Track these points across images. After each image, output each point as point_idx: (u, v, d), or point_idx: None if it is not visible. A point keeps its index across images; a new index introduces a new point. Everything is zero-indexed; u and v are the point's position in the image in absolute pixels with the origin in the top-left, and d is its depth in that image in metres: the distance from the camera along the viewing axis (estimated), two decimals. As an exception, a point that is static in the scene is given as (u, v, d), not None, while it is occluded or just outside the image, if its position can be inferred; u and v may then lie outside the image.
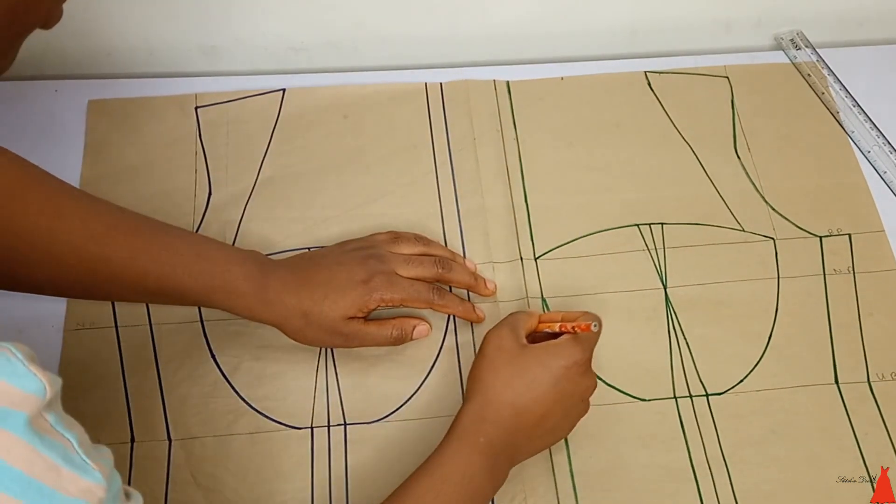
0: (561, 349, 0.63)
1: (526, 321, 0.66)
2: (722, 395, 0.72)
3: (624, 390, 0.72)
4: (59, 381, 0.34)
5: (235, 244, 0.77)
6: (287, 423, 0.70)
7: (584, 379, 0.64)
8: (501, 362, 0.63)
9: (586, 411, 0.66)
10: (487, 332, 0.66)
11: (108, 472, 0.37)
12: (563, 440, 0.68)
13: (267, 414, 0.70)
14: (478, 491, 0.60)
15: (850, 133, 0.87)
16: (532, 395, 0.62)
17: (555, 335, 0.66)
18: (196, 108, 0.85)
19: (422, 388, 0.72)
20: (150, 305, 0.74)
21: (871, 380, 0.73)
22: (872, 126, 0.87)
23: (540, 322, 0.68)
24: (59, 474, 0.34)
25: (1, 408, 0.32)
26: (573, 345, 0.63)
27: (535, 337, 0.67)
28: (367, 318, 0.69)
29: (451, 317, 0.74)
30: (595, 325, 0.63)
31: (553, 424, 0.64)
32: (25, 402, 0.33)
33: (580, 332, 0.63)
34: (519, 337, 0.65)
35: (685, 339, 0.74)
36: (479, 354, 0.65)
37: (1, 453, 0.32)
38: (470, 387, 0.64)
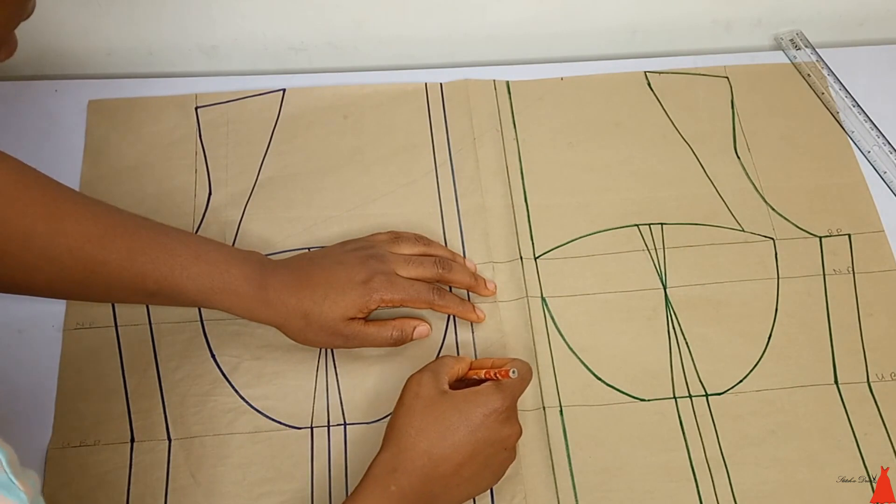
0: (479, 396, 0.61)
1: (452, 366, 0.65)
2: (721, 396, 0.72)
3: (623, 390, 0.72)
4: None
5: (235, 244, 0.77)
6: (287, 422, 0.70)
7: (505, 427, 0.62)
8: (418, 408, 0.61)
9: (512, 460, 0.64)
10: (409, 378, 0.64)
11: (32, 494, 0.36)
12: (563, 438, 0.68)
13: (267, 413, 0.70)
14: None
15: (849, 133, 0.87)
16: (448, 444, 0.60)
17: (480, 382, 0.64)
18: (196, 108, 0.85)
19: (422, 388, 0.72)
20: (149, 305, 0.74)
21: (870, 380, 0.73)
22: (872, 126, 0.87)
23: (470, 369, 0.66)
24: None
25: None
26: (493, 392, 0.61)
27: (468, 383, 0.65)
28: (367, 319, 0.69)
29: (451, 317, 0.74)
30: (514, 372, 0.61)
31: (472, 473, 0.61)
32: None
33: (502, 379, 0.62)
34: (440, 382, 0.63)
35: (685, 339, 0.74)
36: (399, 401, 0.63)
37: None
38: (386, 434, 0.62)
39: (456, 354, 0.73)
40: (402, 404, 0.62)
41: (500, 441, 0.62)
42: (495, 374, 0.62)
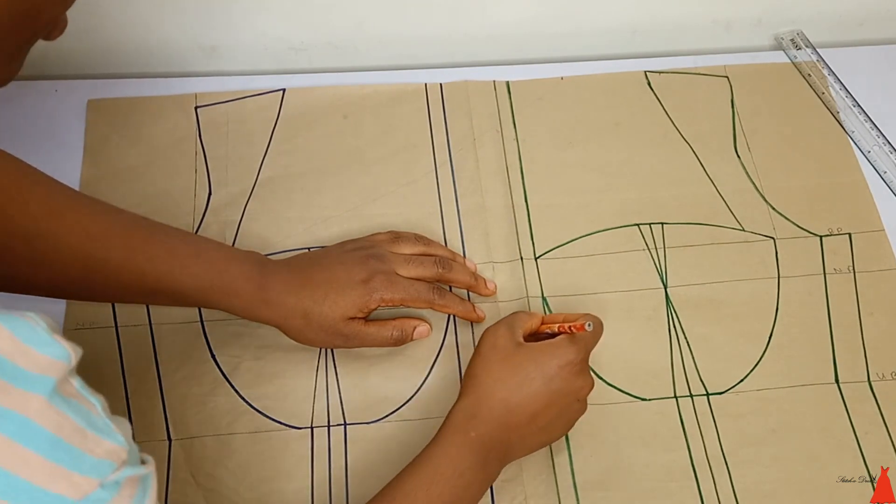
0: (555, 348, 0.63)
1: (526, 321, 0.66)
2: (722, 395, 0.72)
3: (624, 390, 0.72)
4: (80, 350, 0.35)
5: (235, 244, 0.77)
6: (287, 422, 0.70)
7: (579, 379, 0.63)
8: (496, 359, 0.63)
9: (583, 411, 0.66)
10: (485, 330, 0.66)
11: (128, 436, 0.37)
12: (563, 438, 0.68)
13: (267, 414, 0.70)
14: (468, 486, 0.60)
15: (850, 133, 0.87)
16: (524, 393, 0.62)
17: (554, 335, 0.66)
18: (196, 108, 0.85)
19: (422, 388, 0.72)
20: (150, 305, 0.74)
21: (871, 379, 0.73)
22: (872, 126, 0.87)
23: (542, 324, 0.67)
24: (85, 436, 0.34)
25: (31, 373, 0.33)
26: (568, 344, 0.63)
27: (538, 337, 0.67)
28: (367, 319, 0.69)
29: (451, 317, 0.74)
30: (590, 325, 0.62)
31: (546, 423, 0.63)
32: (52, 368, 0.34)
33: (576, 332, 0.63)
34: (515, 335, 0.65)
35: (685, 338, 0.74)
36: (476, 351, 0.65)
37: (32, 416, 0.33)
38: (465, 383, 0.64)
39: (457, 354, 0.73)
40: (479, 355, 0.64)
41: (574, 392, 0.64)
42: (569, 327, 0.64)
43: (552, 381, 0.62)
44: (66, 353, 0.34)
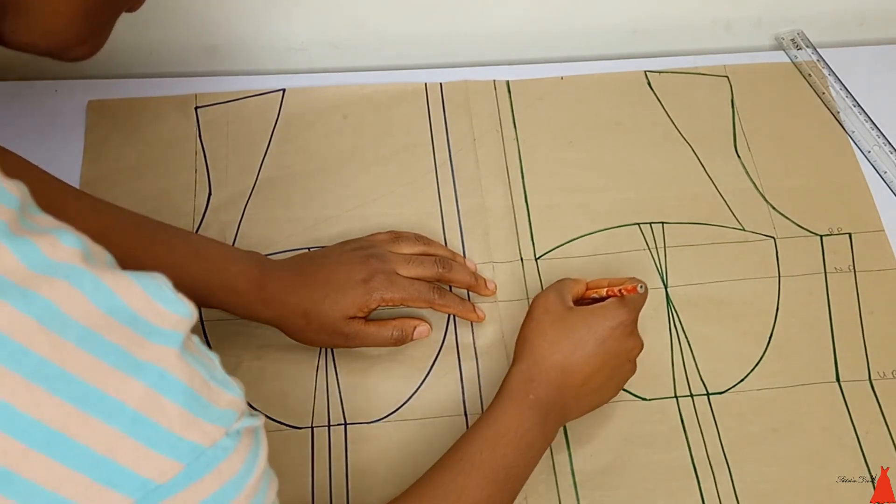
0: (606, 311, 0.64)
1: (573, 287, 0.68)
2: (723, 394, 0.72)
3: (625, 389, 0.71)
4: (196, 310, 0.37)
5: (235, 244, 0.77)
6: (287, 422, 0.70)
7: (630, 340, 0.65)
8: (548, 324, 0.64)
9: (633, 372, 0.67)
10: (535, 297, 0.67)
11: (243, 390, 0.39)
12: (563, 437, 0.68)
13: (267, 413, 0.70)
14: (531, 446, 0.61)
15: (850, 133, 0.87)
16: (579, 356, 0.63)
17: (601, 300, 0.66)
18: (196, 108, 0.85)
19: (422, 387, 0.72)
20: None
21: (872, 378, 0.73)
22: (873, 126, 0.87)
23: (587, 288, 0.68)
24: (210, 388, 0.36)
25: (162, 329, 0.34)
26: (618, 306, 0.64)
27: (582, 302, 0.68)
28: (367, 319, 0.69)
29: (451, 316, 0.74)
30: (641, 287, 0.64)
31: (599, 384, 0.65)
32: (179, 324, 0.35)
33: (626, 295, 0.64)
34: (565, 300, 0.66)
35: (686, 338, 0.74)
36: (527, 318, 0.66)
37: (168, 368, 0.34)
38: (518, 349, 0.65)
39: (457, 353, 0.73)
40: (532, 320, 0.65)
41: (625, 353, 0.65)
42: (619, 290, 0.65)
43: (605, 342, 0.63)
44: (189, 311, 0.36)
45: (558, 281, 0.68)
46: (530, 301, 0.67)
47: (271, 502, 0.41)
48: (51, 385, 0.31)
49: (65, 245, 0.33)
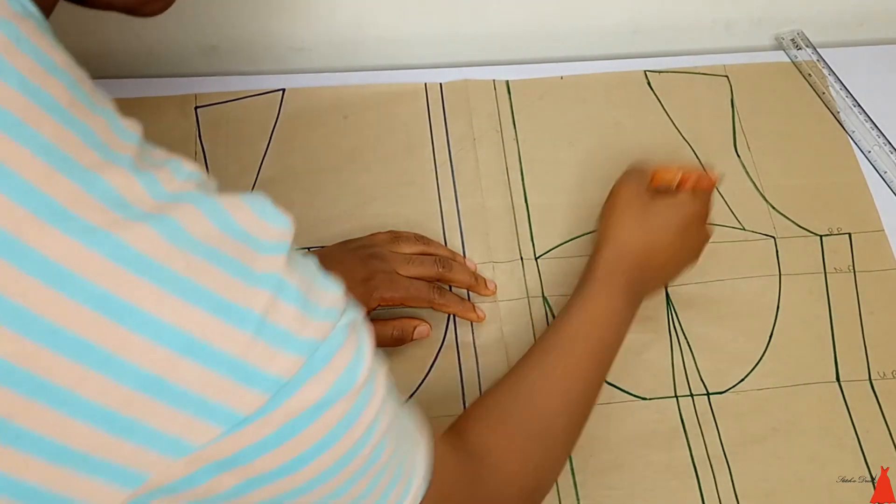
0: (685, 202, 0.68)
1: (645, 176, 0.71)
2: (723, 394, 0.72)
3: (625, 389, 0.72)
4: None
5: (235, 244, 0.77)
6: (287, 422, 0.69)
7: (703, 231, 0.71)
8: (632, 212, 0.68)
9: (696, 262, 0.72)
10: (615, 185, 0.71)
11: (341, 284, 0.41)
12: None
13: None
14: (622, 324, 0.65)
15: (850, 133, 0.87)
16: (660, 242, 0.67)
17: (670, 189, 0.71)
18: (196, 108, 0.85)
19: (422, 387, 0.72)
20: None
21: (872, 378, 0.73)
22: (873, 126, 0.87)
23: (656, 174, 0.71)
24: (314, 289, 0.39)
25: (269, 241, 0.37)
26: (695, 199, 0.69)
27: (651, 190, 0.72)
28: (367, 318, 0.69)
29: (451, 316, 0.74)
30: (717, 179, 0.70)
31: (673, 269, 0.70)
32: (283, 236, 0.38)
33: (703, 188, 0.69)
34: (643, 189, 0.70)
35: (686, 337, 0.74)
36: (609, 206, 0.70)
37: (281, 274, 0.37)
38: (602, 235, 0.69)
39: (457, 353, 0.73)
40: (613, 207, 0.69)
41: (698, 243, 0.71)
42: (694, 183, 0.69)
43: (682, 231, 0.68)
44: (289, 223, 0.39)
45: (630, 170, 0.72)
46: (599, 218, 0.71)
47: (385, 382, 0.43)
48: (189, 297, 0.34)
49: (180, 176, 0.36)
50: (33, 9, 0.35)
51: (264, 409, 0.36)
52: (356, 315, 0.41)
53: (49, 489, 0.34)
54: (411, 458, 0.46)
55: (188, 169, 0.37)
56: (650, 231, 0.68)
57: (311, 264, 0.40)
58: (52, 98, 0.33)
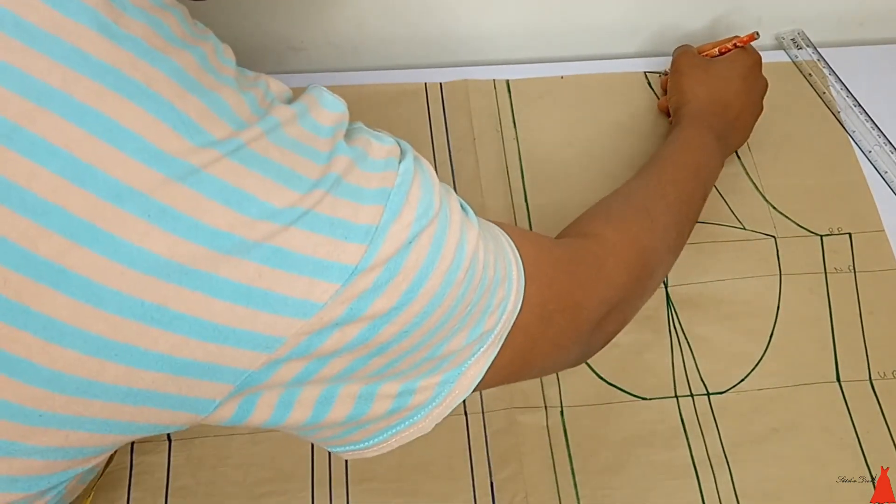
0: (740, 56, 0.79)
1: (694, 49, 0.82)
2: (723, 394, 0.72)
3: (625, 389, 0.72)
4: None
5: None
6: (287, 422, 0.69)
7: (762, 78, 0.80)
8: (698, 73, 0.78)
9: (762, 109, 0.81)
10: (675, 56, 0.82)
11: (391, 135, 0.47)
12: (563, 437, 0.68)
13: (267, 413, 0.70)
14: (713, 171, 0.73)
15: (850, 133, 0.86)
16: (731, 93, 0.77)
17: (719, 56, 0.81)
18: (196, 108, 0.85)
19: (422, 387, 0.71)
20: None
21: (872, 378, 0.73)
22: (873, 126, 0.86)
23: (700, 50, 0.82)
24: (371, 145, 0.44)
25: (331, 127, 0.42)
26: (746, 52, 0.80)
27: None
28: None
29: (452, 316, 0.74)
30: (757, 34, 0.80)
31: (746, 118, 0.79)
32: (341, 119, 0.43)
33: (747, 44, 0.80)
34: (700, 56, 0.81)
35: (686, 337, 0.74)
36: (675, 74, 0.81)
37: (346, 146, 0.43)
38: (677, 99, 0.79)
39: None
40: (682, 74, 0.80)
41: (760, 89, 0.80)
42: (736, 43, 0.80)
43: (746, 79, 0.78)
44: (343, 107, 0.44)
45: (681, 47, 0.83)
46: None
47: (457, 200, 0.48)
48: (287, 182, 0.39)
49: (271, 91, 0.42)
50: None
51: (367, 257, 0.40)
52: (412, 156, 0.45)
53: (201, 361, 0.38)
54: (503, 257, 0.50)
55: (274, 86, 0.43)
56: (719, 86, 0.76)
57: (362, 129, 0.45)
58: (169, 29, 0.38)
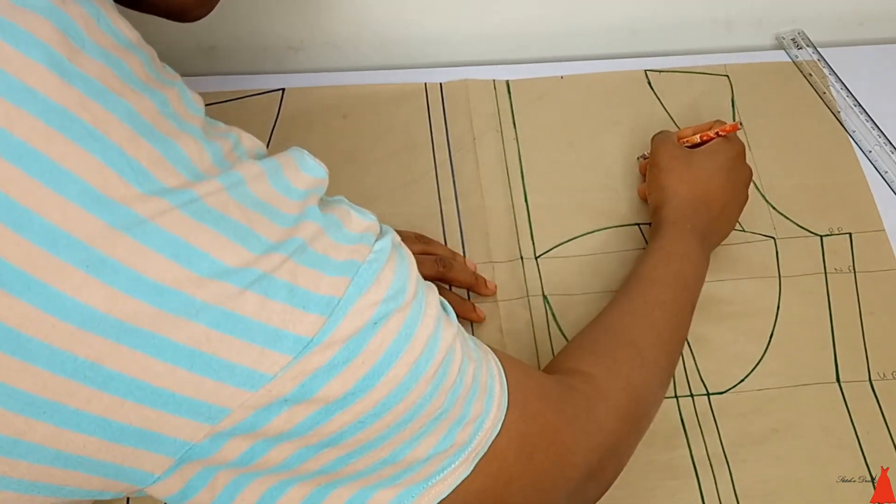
0: (722, 147, 0.74)
1: (673, 137, 0.76)
2: (723, 394, 0.72)
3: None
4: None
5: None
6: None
7: (746, 167, 0.75)
8: (678, 168, 0.73)
9: (747, 199, 0.75)
10: (654, 147, 0.76)
11: (374, 215, 0.45)
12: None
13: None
14: (696, 267, 0.68)
15: (851, 133, 0.86)
16: (714, 187, 0.71)
17: (699, 145, 0.76)
18: (196, 107, 0.85)
19: (422, 387, 0.71)
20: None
21: (872, 378, 0.73)
22: (874, 126, 0.86)
23: (679, 138, 0.77)
24: (350, 217, 0.42)
25: (305, 191, 0.40)
26: (729, 142, 0.74)
27: None
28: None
29: (451, 316, 0.74)
30: (741, 124, 0.76)
31: (730, 211, 0.74)
32: (317, 184, 0.41)
33: (729, 133, 0.75)
34: (679, 148, 0.75)
35: (686, 338, 0.74)
36: (654, 169, 0.75)
37: (319, 212, 0.40)
38: (657, 196, 0.73)
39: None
40: (661, 169, 0.74)
41: (745, 180, 0.75)
42: (718, 132, 0.75)
43: (730, 172, 0.73)
44: (323, 172, 0.42)
45: (660, 134, 0.77)
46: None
47: (437, 299, 0.45)
48: (243, 241, 0.37)
49: (242, 145, 0.40)
50: None
51: (325, 331, 0.38)
52: (392, 238, 0.43)
53: (136, 426, 0.36)
54: (486, 369, 0.47)
55: (246, 140, 0.41)
56: (700, 180, 0.71)
57: (342, 201, 0.43)
58: (131, 71, 0.36)
